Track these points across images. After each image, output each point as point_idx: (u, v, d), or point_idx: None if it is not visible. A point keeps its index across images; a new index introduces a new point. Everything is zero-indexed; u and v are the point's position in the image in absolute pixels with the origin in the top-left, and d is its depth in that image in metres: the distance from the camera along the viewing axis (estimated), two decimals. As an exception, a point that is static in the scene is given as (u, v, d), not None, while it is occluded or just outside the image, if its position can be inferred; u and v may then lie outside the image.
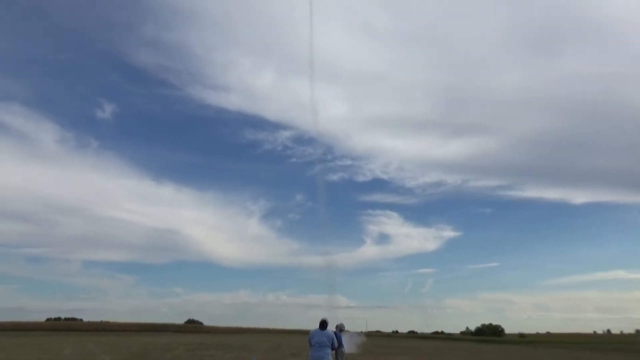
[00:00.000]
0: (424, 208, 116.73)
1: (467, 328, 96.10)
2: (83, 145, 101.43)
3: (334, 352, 11.90)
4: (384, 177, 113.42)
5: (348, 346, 22.03)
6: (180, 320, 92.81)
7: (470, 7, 42.15)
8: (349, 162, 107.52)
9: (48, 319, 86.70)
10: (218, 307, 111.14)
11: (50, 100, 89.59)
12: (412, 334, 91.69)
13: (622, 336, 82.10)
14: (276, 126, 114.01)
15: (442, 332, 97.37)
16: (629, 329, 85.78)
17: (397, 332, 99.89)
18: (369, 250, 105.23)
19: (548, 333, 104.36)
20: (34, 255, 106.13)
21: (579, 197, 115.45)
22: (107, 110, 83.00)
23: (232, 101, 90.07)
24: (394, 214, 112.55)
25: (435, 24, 42.10)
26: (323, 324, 11.68)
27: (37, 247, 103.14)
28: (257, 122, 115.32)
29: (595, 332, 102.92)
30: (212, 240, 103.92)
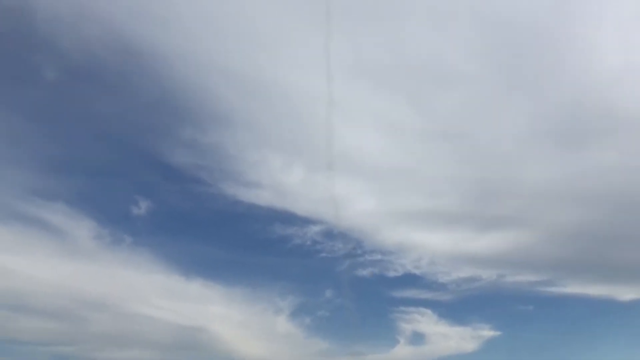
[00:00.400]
0: (459, 305, 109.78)
1: None
2: (117, 241, 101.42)
3: None
4: (416, 272, 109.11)
5: None
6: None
7: (494, 102, 42.71)
8: (379, 257, 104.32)
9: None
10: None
11: (90, 198, 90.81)
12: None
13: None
14: (306, 221, 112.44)
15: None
16: None
17: None
18: (402, 351, 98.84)
19: None
20: (62, 353, 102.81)
21: (626, 293, 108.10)
22: (142, 207, 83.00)
23: (263, 197, 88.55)
24: (428, 311, 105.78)
25: (460, 120, 42.64)
26: None
27: (65, 345, 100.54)
28: (287, 218, 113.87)
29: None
30: (239, 338, 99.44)
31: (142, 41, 32.13)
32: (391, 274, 75.00)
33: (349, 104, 40.39)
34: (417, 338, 77.88)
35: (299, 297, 68.18)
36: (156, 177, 42.70)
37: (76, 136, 37.98)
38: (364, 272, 66.38)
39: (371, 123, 37.63)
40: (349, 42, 35.01)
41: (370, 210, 49.79)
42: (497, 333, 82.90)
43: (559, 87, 44.12)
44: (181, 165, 41.95)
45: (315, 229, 61.28)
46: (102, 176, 41.19)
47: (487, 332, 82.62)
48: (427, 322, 77.86)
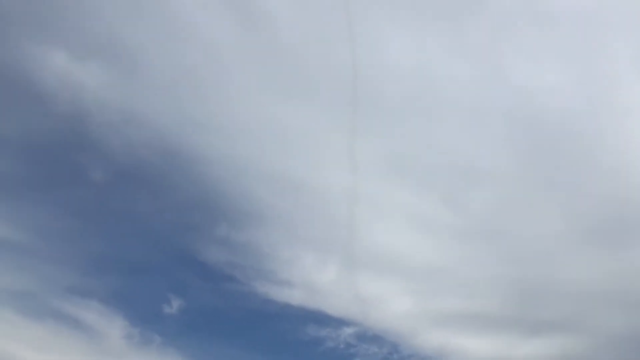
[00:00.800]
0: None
1: None
2: (147, 341, 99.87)
3: None
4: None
5: None
6: None
7: (529, 201, 42.43)
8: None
9: None
10: None
11: (124, 297, 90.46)
12: None
13: None
14: (339, 322, 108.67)
15: None
16: None
17: None
18: None
19: None
20: None
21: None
22: (174, 306, 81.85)
23: (295, 296, 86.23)
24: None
25: (496, 218, 42.28)
26: None
27: None
28: (320, 318, 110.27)
29: None
30: None
31: (182, 144, 33.92)
32: (431, 380, 68.42)
33: (382, 201, 40.59)
34: None
35: (333, 401, 63.33)
36: (190, 275, 42.85)
37: (115, 234, 39.05)
38: (402, 379, 61.26)
39: (404, 221, 37.43)
40: (380, 141, 35.88)
41: (407, 312, 47.69)
42: None
43: (596, 184, 43.34)
44: (215, 263, 42.05)
45: (348, 330, 58.37)
46: (137, 274, 41.67)
47: None
48: None
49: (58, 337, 41.80)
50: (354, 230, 37.30)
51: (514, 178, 38.18)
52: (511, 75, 33.98)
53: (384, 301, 44.33)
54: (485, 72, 34.41)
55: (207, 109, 33.53)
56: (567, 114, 35.96)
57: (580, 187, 44.09)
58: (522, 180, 39.30)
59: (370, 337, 59.11)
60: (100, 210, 37.30)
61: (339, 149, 32.44)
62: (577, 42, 34.35)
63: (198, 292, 46.82)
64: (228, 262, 43.52)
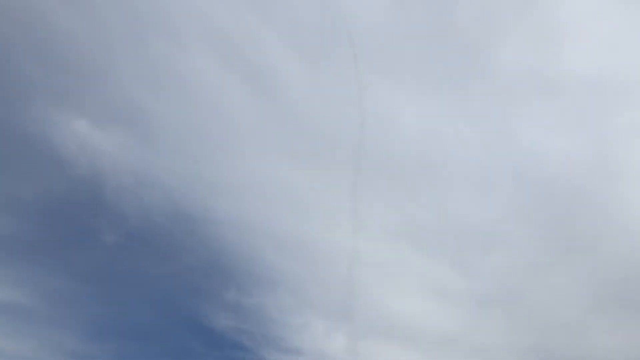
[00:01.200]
0: None
1: None
2: None
3: None
4: None
5: None
6: None
7: (544, 265, 41.65)
8: None
9: None
10: None
11: None
12: None
13: None
14: None
15: None
16: None
17: None
18: None
19: None
20: None
21: None
22: None
23: None
24: None
25: (509, 283, 41.30)
26: None
27: None
28: None
29: None
30: None
31: (193, 206, 34.27)
32: None
33: (392, 266, 39.98)
34: None
35: None
36: (197, 341, 41.64)
37: (122, 298, 38.67)
38: None
39: (415, 286, 36.65)
40: (390, 204, 35.90)
41: (421, 383, 45.46)
42: None
43: (613, 247, 42.41)
44: (223, 329, 40.93)
45: (360, 403, 55.24)
46: (143, 340, 40.62)
47: None
48: None
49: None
50: (356, 296, 36.50)
51: (527, 242, 37.57)
52: (519, 139, 34.52)
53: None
54: (493, 136, 35.07)
55: (219, 171, 34.23)
56: (577, 176, 35.96)
57: (596, 250, 42.99)
58: (536, 244, 38.60)
59: (382, 410, 55.21)
60: (108, 274, 37.19)
61: (349, 212, 32.57)
62: (581, 108, 35.09)
63: (204, 359, 45.13)
64: (236, 328, 42.27)
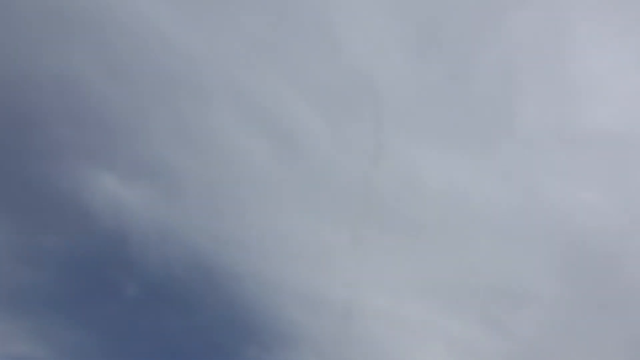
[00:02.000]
0: None
1: None
2: None
3: None
4: None
5: None
6: None
7: (577, 324, 39.99)
8: None
9: None
10: None
11: None
12: None
13: None
14: None
15: None
16: None
17: None
18: None
19: None
20: None
21: None
22: None
23: None
24: None
25: (541, 342, 39.80)
26: None
27: None
28: None
29: None
30: None
31: (215, 260, 34.19)
32: None
33: (419, 324, 38.75)
34: None
35: None
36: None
37: (142, 353, 38.12)
38: None
39: (443, 347, 35.39)
40: (413, 262, 35.23)
41: None
42: None
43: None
44: (243, 390, 39.80)
45: None
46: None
47: None
48: None
49: None
50: (384, 355, 35.35)
51: (559, 299, 36.25)
52: (544, 194, 34.00)
53: None
54: (517, 192, 34.55)
55: (242, 227, 34.30)
56: (607, 232, 35.03)
57: (632, 308, 41.17)
58: (569, 302, 37.20)
59: None
60: (128, 329, 36.86)
61: (378, 270, 32.12)
62: (609, 162, 34.55)
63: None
64: (257, 389, 40.98)
